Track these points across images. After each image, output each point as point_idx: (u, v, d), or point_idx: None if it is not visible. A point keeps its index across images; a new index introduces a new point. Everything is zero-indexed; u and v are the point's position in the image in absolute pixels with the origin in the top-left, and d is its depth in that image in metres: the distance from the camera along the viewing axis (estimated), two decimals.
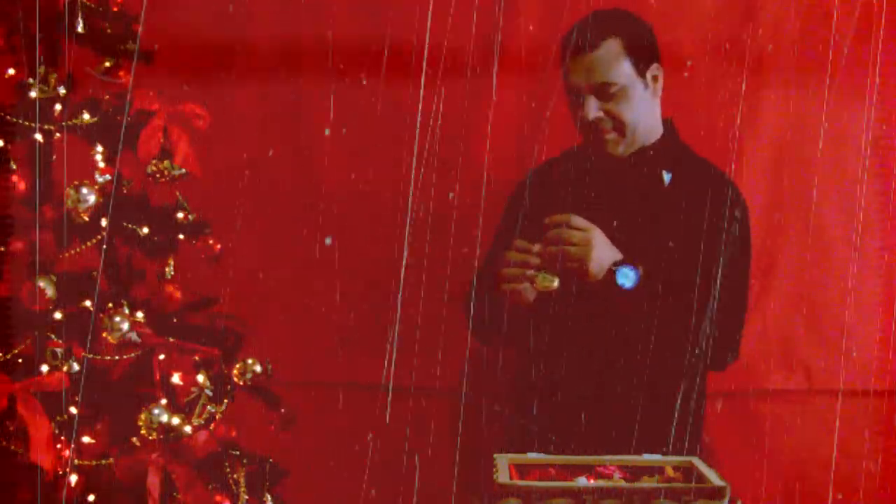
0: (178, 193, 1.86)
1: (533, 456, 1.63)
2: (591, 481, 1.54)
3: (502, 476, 1.50)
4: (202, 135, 1.85)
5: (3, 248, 1.67)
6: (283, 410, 1.90)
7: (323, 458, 2.36)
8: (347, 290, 2.40)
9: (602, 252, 1.88)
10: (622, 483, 1.52)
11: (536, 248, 1.88)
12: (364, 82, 2.39)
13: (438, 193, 2.29)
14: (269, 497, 1.82)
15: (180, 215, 1.85)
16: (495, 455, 1.60)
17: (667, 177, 2.00)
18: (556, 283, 1.87)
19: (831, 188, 2.44)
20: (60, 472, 1.65)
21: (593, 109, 1.96)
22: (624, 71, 1.96)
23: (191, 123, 1.84)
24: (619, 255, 1.89)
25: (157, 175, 1.84)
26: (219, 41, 2.45)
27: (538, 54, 2.29)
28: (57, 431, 1.65)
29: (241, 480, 1.78)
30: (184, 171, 1.84)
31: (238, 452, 1.81)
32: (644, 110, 2.00)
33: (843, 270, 2.43)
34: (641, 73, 1.98)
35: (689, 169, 2.03)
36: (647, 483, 1.54)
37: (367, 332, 2.31)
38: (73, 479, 1.67)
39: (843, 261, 2.43)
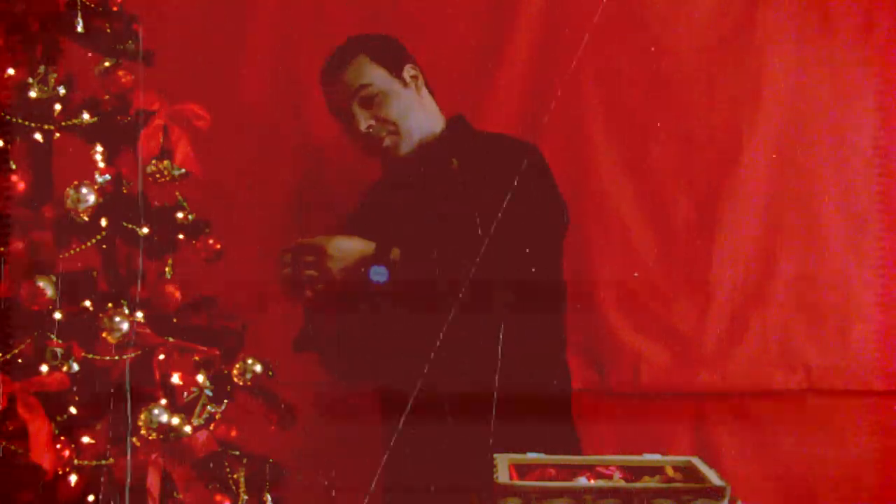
0: (177, 193, 1.86)
1: (533, 456, 1.63)
2: (591, 481, 1.54)
3: (502, 476, 1.50)
4: (202, 135, 1.85)
5: (3, 248, 1.67)
6: (283, 410, 1.90)
7: (323, 458, 2.36)
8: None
9: (342, 263, 1.96)
10: (622, 483, 1.52)
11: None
12: None
13: None
14: (269, 497, 1.82)
15: (180, 215, 1.85)
16: (495, 455, 1.60)
17: (456, 162, 2.09)
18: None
19: (831, 188, 2.44)
20: (60, 472, 1.65)
21: (363, 119, 2.11)
22: (377, 75, 2.12)
23: (191, 123, 1.84)
24: (369, 251, 1.97)
25: (157, 175, 1.84)
26: (219, 41, 2.45)
27: None
28: (57, 431, 1.65)
29: (241, 480, 1.78)
30: (184, 171, 1.84)
31: (238, 452, 1.81)
32: (413, 108, 2.15)
33: (843, 270, 2.43)
34: (396, 75, 2.14)
35: (480, 149, 2.14)
36: (647, 483, 1.54)
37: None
38: (73, 479, 1.67)
39: (843, 261, 2.43)
